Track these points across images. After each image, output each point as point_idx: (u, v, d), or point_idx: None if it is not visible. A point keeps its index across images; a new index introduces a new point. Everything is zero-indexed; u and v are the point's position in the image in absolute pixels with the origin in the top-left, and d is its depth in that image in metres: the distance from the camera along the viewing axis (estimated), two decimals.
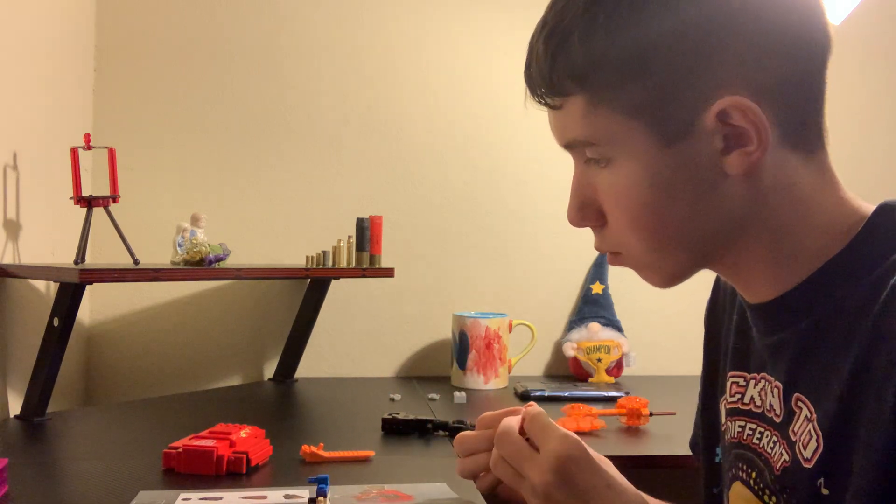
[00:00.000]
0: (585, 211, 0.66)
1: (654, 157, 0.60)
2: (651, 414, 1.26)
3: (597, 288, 1.80)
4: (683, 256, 0.63)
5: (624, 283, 1.80)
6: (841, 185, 0.62)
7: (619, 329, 1.76)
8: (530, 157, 1.80)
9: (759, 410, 0.67)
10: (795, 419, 0.61)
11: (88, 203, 1.31)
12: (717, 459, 0.77)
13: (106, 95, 1.64)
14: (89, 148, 1.32)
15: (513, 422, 0.74)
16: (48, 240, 1.42)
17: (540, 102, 0.65)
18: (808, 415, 0.59)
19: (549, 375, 1.81)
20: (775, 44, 0.58)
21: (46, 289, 1.39)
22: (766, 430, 0.66)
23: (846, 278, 0.59)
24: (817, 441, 0.57)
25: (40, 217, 1.38)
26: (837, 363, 0.57)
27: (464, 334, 1.61)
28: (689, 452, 0.87)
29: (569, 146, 0.65)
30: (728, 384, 0.72)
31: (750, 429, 0.68)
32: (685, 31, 0.57)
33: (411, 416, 1.19)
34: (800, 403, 0.61)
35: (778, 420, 0.64)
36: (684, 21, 0.57)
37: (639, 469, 0.83)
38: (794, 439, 0.61)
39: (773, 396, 0.65)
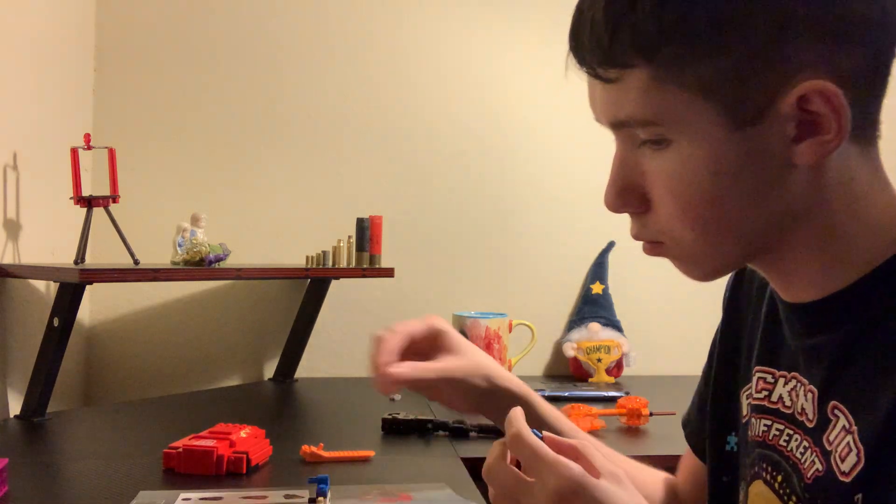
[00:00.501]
0: (627, 196, 0.60)
1: (720, 142, 0.55)
2: (651, 414, 1.26)
3: (597, 288, 1.80)
4: (733, 249, 0.59)
5: (624, 283, 1.80)
6: (891, 183, 0.59)
7: (619, 329, 1.76)
8: (530, 156, 1.80)
9: (788, 411, 0.64)
10: (831, 427, 0.58)
11: (88, 203, 1.31)
12: (727, 447, 0.74)
13: (106, 95, 1.64)
14: (89, 148, 1.32)
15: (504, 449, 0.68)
16: (48, 240, 1.42)
17: (590, 74, 0.58)
18: (847, 425, 0.56)
19: (549, 375, 1.81)
20: (856, 27, 0.54)
21: (46, 289, 1.39)
22: (795, 433, 0.62)
23: None
24: (858, 455, 0.54)
25: (40, 217, 1.38)
26: (885, 374, 0.53)
27: (464, 334, 1.60)
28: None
29: (619, 125, 0.59)
30: (754, 378, 0.69)
31: (777, 429, 0.65)
32: (770, 3, 0.52)
33: (411, 416, 1.19)
34: (836, 412, 0.57)
35: (810, 425, 0.60)
36: None
37: None
38: (829, 449, 0.57)
39: (805, 400, 0.61)
